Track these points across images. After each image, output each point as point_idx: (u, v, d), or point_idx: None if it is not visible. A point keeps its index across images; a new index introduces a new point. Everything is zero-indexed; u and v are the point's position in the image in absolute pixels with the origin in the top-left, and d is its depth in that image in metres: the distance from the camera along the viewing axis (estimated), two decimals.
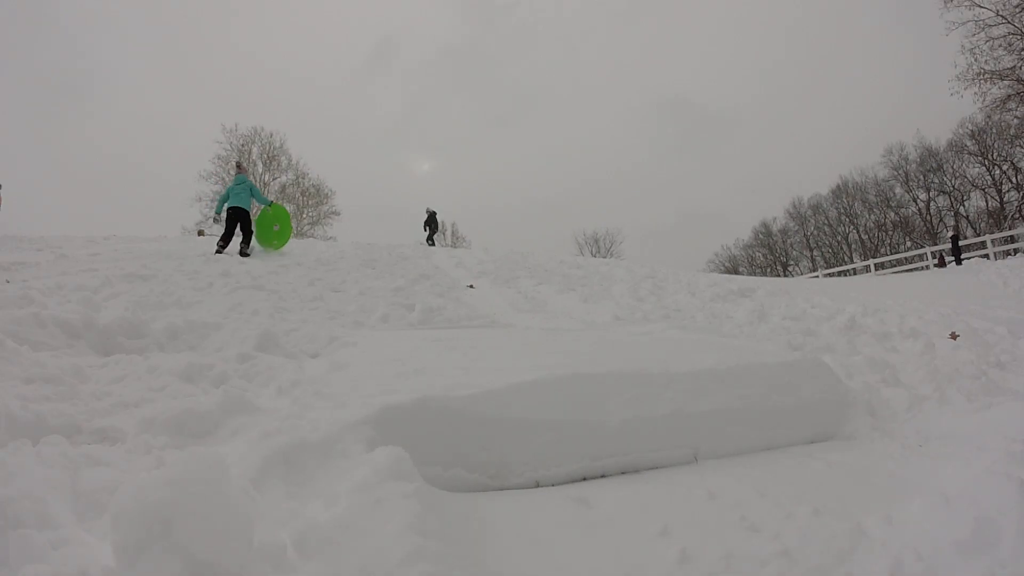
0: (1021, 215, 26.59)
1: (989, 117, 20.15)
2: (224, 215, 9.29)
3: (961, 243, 16.34)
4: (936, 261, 16.99)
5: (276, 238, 9.37)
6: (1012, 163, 27.89)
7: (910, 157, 33.99)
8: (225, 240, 9.15)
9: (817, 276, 21.91)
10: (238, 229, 9.26)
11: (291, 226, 8.79)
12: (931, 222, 33.32)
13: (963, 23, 18.07)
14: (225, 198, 9.50)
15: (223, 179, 28.96)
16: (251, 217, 9.49)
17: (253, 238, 9.31)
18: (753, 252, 44.40)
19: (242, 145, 30.38)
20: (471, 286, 7.81)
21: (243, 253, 8.97)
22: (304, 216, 30.90)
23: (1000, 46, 17.85)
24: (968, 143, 29.98)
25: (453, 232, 37.71)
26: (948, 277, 10.58)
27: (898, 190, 35.23)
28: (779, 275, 35.62)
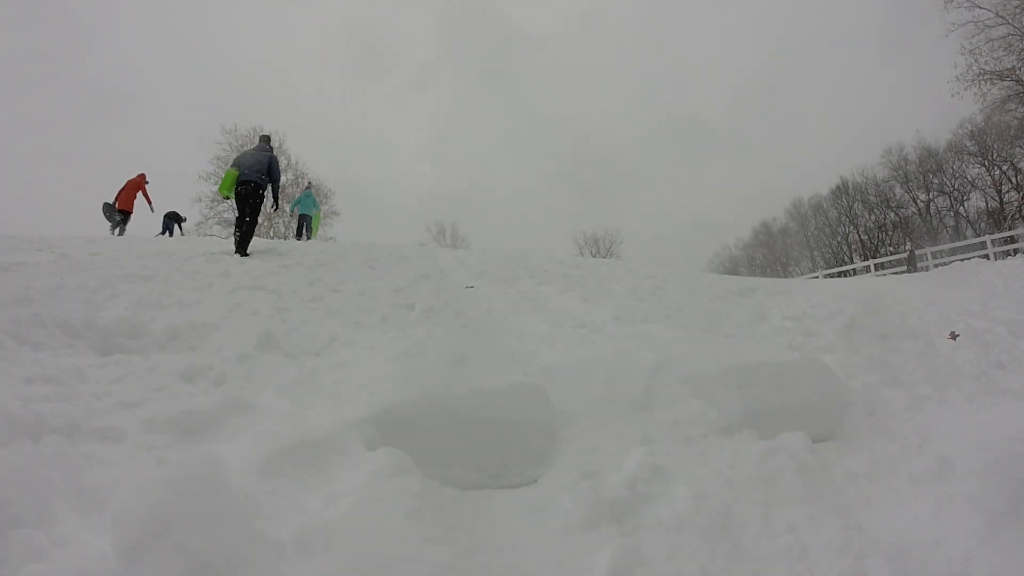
0: (1021, 215, 26.56)
1: (989, 118, 20.10)
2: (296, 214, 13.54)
3: (919, 252, 17.35)
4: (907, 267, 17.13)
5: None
6: (1012, 163, 27.84)
7: (909, 158, 33.98)
8: (299, 235, 13.02)
9: (817, 276, 21.86)
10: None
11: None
12: (931, 223, 33.30)
13: (963, 24, 18.03)
14: (295, 204, 13.57)
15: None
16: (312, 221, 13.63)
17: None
18: (753, 252, 44.35)
19: (241, 145, 30.36)
20: (471, 287, 7.80)
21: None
22: None
23: (1000, 47, 17.81)
24: (968, 144, 29.94)
25: (453, 233, 37.66)
26: (948, 278, 10.59)
27: (898, 190, 35.22)
28: (779, 275, 35.61)
